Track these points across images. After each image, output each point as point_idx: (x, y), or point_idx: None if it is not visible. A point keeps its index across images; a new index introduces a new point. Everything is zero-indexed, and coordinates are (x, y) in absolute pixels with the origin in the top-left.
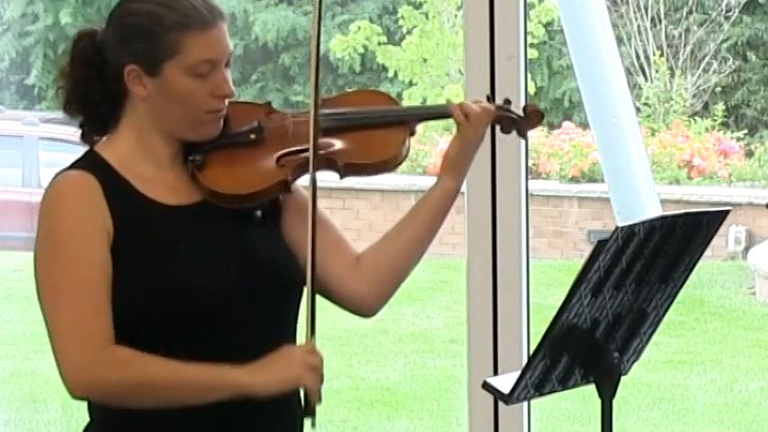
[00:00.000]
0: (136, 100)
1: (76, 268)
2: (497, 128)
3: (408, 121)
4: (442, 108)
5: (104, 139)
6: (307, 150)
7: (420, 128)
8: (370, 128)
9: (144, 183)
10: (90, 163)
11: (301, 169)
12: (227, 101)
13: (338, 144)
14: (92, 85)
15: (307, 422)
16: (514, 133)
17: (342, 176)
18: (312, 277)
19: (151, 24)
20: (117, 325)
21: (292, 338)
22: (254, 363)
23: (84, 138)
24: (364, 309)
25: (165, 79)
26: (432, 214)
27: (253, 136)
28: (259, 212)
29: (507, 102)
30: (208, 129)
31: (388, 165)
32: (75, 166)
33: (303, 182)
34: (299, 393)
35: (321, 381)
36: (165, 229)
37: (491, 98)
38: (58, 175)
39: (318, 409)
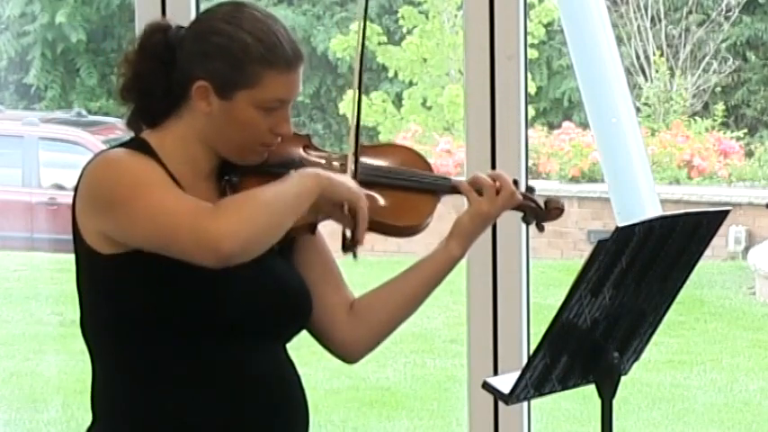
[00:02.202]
0: (195, 110)
1: (159, 180)
2: (520, 216)
3: (441, 191)
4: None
5: (151, 130)
6: None
7: (420, 131)
8: (404, 190)
9: (183, 181)
10: (139, 146)
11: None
12: (280, 138)
13: (370, 199)
14: (154, 80)
15: (348, 255)
16: (533, 224)
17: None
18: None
19: (238, 51)
20: (126, 315)
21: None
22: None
23: (130, 125)
24: (348, 356)
25: (234, 105)
26: (432, 276)
27: (292, 172)
28: (277, 245)
29: (530, 190)
30: (254, 157)
31: (413, 231)
32: (123, 146)
33: None
34: (302, 392)
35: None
36: None
37: (517, 183)
38: (103, 152)
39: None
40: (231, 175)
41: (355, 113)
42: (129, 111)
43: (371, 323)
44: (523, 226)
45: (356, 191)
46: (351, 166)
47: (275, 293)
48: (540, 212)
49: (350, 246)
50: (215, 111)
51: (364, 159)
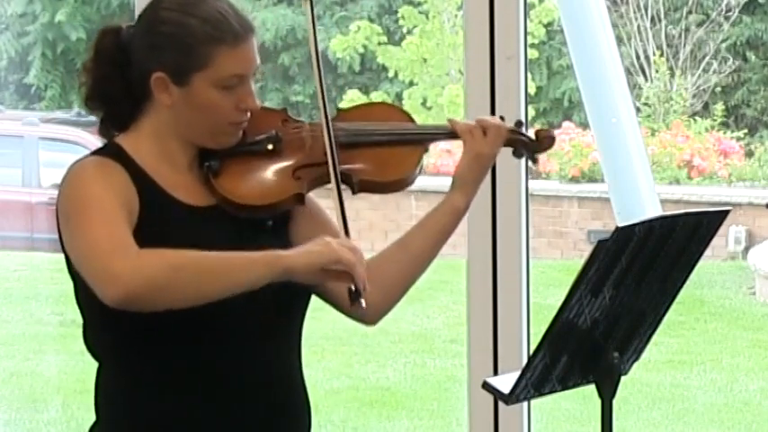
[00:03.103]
0: (158, 105)
1: (108, 208)
2: (510, 151)
3: (424, 140)
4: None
5: (125, 134)
6: (323, 164)
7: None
8: (386, 145)
9: (163, 180)
10: (113, 152)
11: (316, 183)
12: (249, 113)
13: (354, 160)
14: (114, 83)
15: (356, 306)
16: (526, 157)
17: (355, 192)
18: (336, 179)
19: (184, 35)
20: (123, 323)
21: (296, 347)
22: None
23: (103, 133)
24: (366, 317)
25: (192, 90)
26: (438, 230)
27: (270, 146)
28: (270, 222)
29: (519, 124)
30: (227, 139)
31: (402, 184)
32: (97, 153)
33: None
34: (304, 394)
35: (363, 264)
36: (185, 226)
37: (503, 119)
38: (78, 161)
39: (363, 297)
40: (211, 160)
41: (319, 89)
42: (98, 119)
43: (383, 284)
44: (523, 226)
45: (329, 252)
46: (325, 132)
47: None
48: (531, 143)
49: (355, 297)
50: (176, 100)
51: (340, 123)
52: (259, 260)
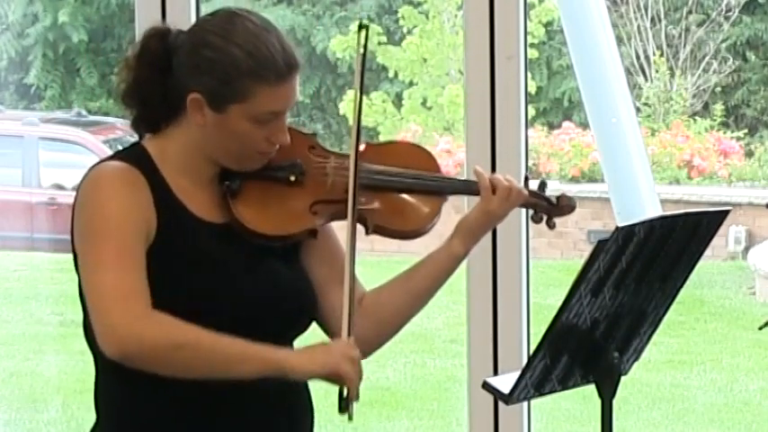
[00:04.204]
0: (191, 121)
1: (122, 239)
2: (529, 213)
3: (445, 192)
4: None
5: (153, 136)
6: (342, 202)
7: (420, 131)
8: (407, 192)
9: (181, 192)
10: (136, 157)
11: (332, 218)
12: (278, 146)
13: (373, 202)
14: (152, 86)
15: (343, 417)
16: (543, 221)
17: (368, 233)
18: (351, 278)
19: (227, 65)
20: None
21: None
22: (294, 349)
23: (134, 127)
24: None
25: (227, 118)
26: (435, 275)
27: (293, 177)
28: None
29: (542, 186)
30: (252, 164)
31: (417, 234)
32: (121, 157)
33: None
34: (307, 394)
35: (360, 376)
36: (199, 240)
37: (527, 180)
38: (101, 162)
39: (355, 406)
40: (232, 180)
41: (355, 122)
42: (131, 115)
43: (378, 320)
44: (523, 226)
45: (331, 364)
46: (351, 175)
47: (272, 297)
48: (551, 209)
49: (345, 405)
50: (209, 123)
51: (367, 163)
52: (260, 358)
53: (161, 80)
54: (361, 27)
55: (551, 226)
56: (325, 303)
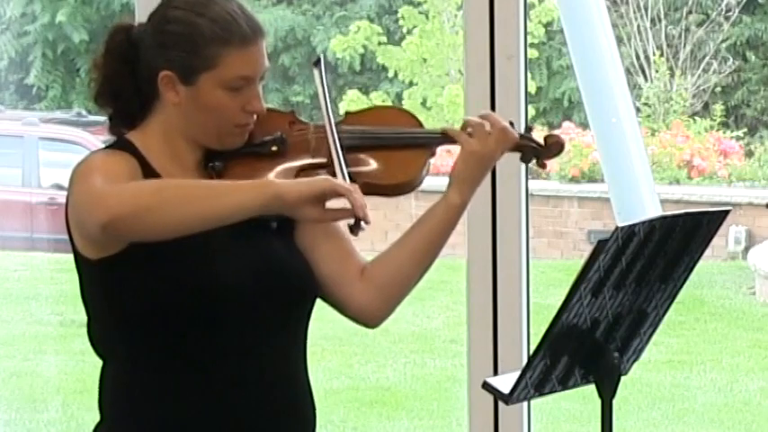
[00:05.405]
0: (166, 103)
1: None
2: (518, 156)
3: (431, 144)
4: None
5: (134, 131)
6: (328, 165)
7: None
8: (392, 148)
9: (170, 177)
10: (124, 146)
11: None
12: (255, 116)
13: (359, 162)
14: (123, 81)
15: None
16: (534, 162)
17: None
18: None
19: (192, 35)
20: (132, 317)
21: (302, 349)
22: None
23: (112, 130)
24: (368, 319)
25: (199, 90)
26: (436, 229)
27: (274, 148)
28: (275, 223)
29: (528, 129)
30: (233, 140)
31: (408, 187)
32: (109, 147)
33: None
34: (310, 394)
35: (359, 193)
36: None
37: (512, 125)
38: (90, 153)
39: (364, 225)
40: (215, 160)
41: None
42: (107, 114)
43: (384, 285)
44: (523, 226)
45: (324, 180)
46: (330, 133)
47: (268, 274)
48: (539, 149)
49: (356, 226)
50: (183, 99)
51: (347, 126)
52: (247, 185)
53: (130, 72)
54: (316, 63)
55: (542, 166)
56: (329, 275)
